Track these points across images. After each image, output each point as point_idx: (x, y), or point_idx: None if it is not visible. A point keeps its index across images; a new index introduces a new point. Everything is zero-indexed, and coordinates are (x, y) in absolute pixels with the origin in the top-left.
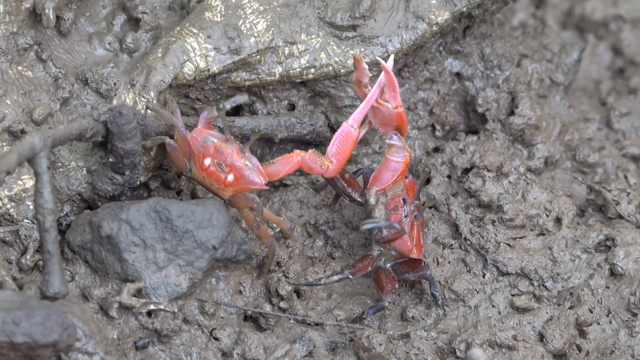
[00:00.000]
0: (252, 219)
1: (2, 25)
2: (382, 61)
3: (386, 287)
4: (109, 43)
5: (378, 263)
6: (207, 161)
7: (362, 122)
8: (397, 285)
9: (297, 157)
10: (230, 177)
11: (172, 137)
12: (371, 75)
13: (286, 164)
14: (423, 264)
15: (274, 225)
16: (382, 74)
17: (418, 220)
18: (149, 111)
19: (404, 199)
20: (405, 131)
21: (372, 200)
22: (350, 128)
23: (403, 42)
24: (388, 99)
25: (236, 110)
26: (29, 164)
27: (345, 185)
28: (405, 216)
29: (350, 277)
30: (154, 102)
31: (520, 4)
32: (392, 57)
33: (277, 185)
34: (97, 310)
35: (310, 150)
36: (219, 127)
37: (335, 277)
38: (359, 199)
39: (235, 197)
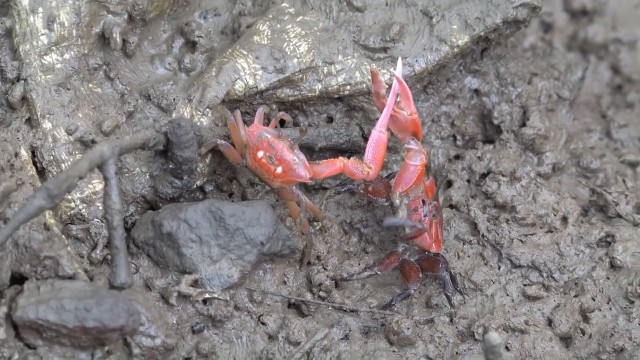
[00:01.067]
0: (296, 211)
1: (75, 47)
2: (394, 72)
3: (412, 277)
4: (169, 63)
5: (403, 257)
6: (260, 154)
7: None
8: (420, 275)
9: (340, 163)
10: (279, 170)
11: (225, 138)
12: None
13: (330, 166)
14: (440, 266)
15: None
16: (395, 82)
17: (436, 219)
18: (204, 122)
19: (423, 200)
20: (421, 136)
21: (397, 202)
22: (379, 134)
23: (428, 62)
24: (403, 107)
25: (281, 122)
26: (99, 169)
27: (375, 190)
28: (425, 216)
29: (379, 272)
30: (210, 114)
31: (530, 29)
32: (399, 63)
33: (316, 189)
34: (159, 298)
35: (352, 158)
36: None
37: (366, 273)
38: (385, 202)
39: (282, 190)
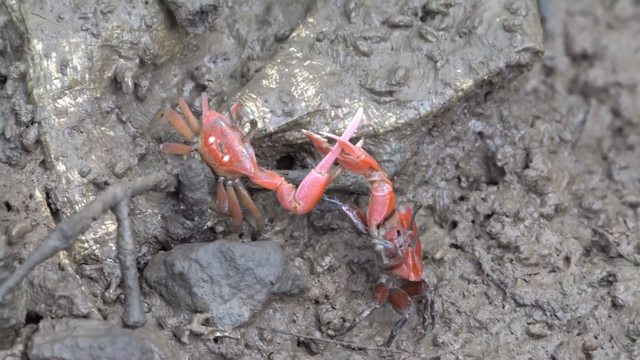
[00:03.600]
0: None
1: (88, 91)
2: (333, 136)
3: (402, 303)
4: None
5: (388, 286)
6: (211, 139)
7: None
8: (409, 299)
9: (278, 181)
10: (226, 158)
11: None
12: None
13: (269, 178)
14: (422, 287)
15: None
16: (336, 144)
17: (412, 248)
18: None
19: (398, 231)
20: (378, 168)
21: (374, 234)
22: (317, 174)
23: (433, 106)
24: (348, 153)
25: (290, 164)
26: (112, 211)
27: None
28: (400, 246)
29: (377, 306)
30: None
31: (532, 72)
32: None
33: (324, 229)
34: (171, 337)
35: (290, 185)
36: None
37: (366, 312)
38: (364, 232)
39: (219, 190)
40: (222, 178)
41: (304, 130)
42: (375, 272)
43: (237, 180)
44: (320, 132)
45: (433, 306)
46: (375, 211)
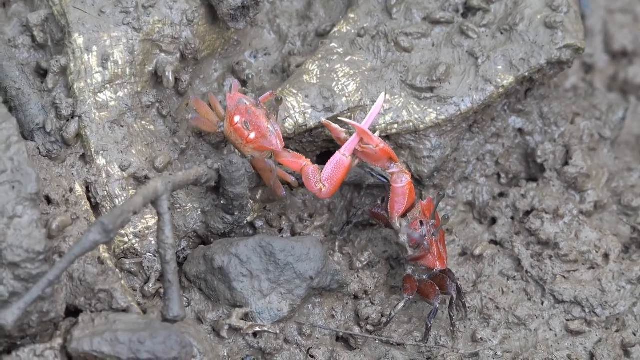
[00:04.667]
0: (269, 179)
1: (129, 85)
2: (352, 122)
3: (430, 294)
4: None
5: (415, 277)
6: (237, 118)
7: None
8: (437, 288)
9: (304, 162)
10: (252, 135)
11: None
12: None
13: (295, 159)
14: (448, 284)
15: (362, 259)
16: (356, 132)
17: (436, 237)
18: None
19: (421, 221)
20: (397, 159)
21: (397, 226)
22: (342, 156)
23: (474, 102)
24: (367, 142)
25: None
26: (152, 205)
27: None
28: (424, 235)
29: (410, 297)
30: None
31: (572, 70)
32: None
33: (364, 225)
34: (210, 331)
35: (315, 166)
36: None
37: (400, 305)
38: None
39: (255, 160)
40: (249, 156)
41: (322, 119)
42: (401, 265)
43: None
44: (341, 118)
45: (460, 294)
46: (396, 203)
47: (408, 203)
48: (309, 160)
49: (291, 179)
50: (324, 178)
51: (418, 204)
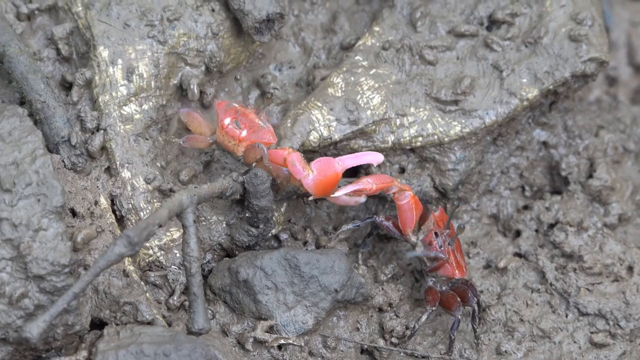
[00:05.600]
0: (266, 168)
1: (154, 98)
2: (339, 194)
3: (452, 305)
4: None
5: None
6: (227, 120)
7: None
8: (459, 299)
9: (286, 151)
10: (244, 133)
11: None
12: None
13: (276, 151)
14: (469, 296)
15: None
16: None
17: (452, 246)
18: None
19: (435, 233)
20: (392, 182)
21: (413, 240)
22: (335, 163)
23: (498, 115)
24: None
25: (354, 172)
26: (177, 218)
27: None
28: (440, 247)
29: (433, 308)
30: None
31: (595, 82)
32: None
33: (389, 238)
34: (235, 344)
35: (300, 153)
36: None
37: (424, 317)
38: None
39: (247, 151)
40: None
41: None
42: (420, 276)
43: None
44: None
45: (480, 308)
46: (406, 219)
47: (417, 216)
48: (291, 148)
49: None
50: (315, 165)
51: (431, 215)
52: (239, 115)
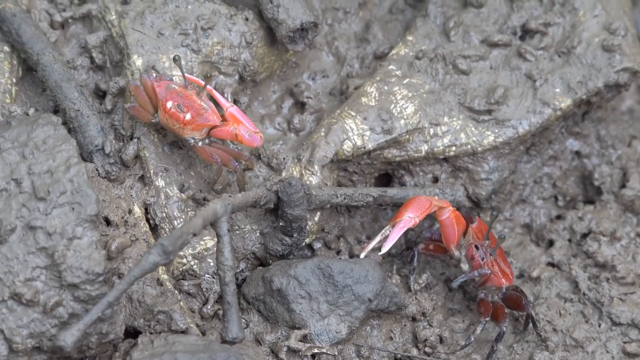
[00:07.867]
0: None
1: None
2: (388, 249)
3: (500, 316)
4: (279, 123)
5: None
6: (169, 104)
7: None
8: (506, 311)
9: (231, 126)
10: (188, 116)
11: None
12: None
13: (223, 127)
14: (524, 302)
15: (420, 281)
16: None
17: (494, 257)
18: (313, 182)
19: (475, 246)
20: (431, 205)
21: (456, 255)
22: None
23: (531, 125)
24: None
25: (388, 181)
26: (212, 227)
27: (436, 248)
28: (482, 259)
29: (487, 319)
30: (319, 174)
31: (628, 92)
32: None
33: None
34: (269, 353)
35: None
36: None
37: (479, 328)
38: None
39: (201, 151)
40: (191, 140)
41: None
42: (472, 290)
43: (206, 141)
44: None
45: (534, 322)
46: (449, 235)
47: (459, 230)
48: (234, 126)
49: (245, 157)
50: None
51: (469, 228)
52: (181, 98)
